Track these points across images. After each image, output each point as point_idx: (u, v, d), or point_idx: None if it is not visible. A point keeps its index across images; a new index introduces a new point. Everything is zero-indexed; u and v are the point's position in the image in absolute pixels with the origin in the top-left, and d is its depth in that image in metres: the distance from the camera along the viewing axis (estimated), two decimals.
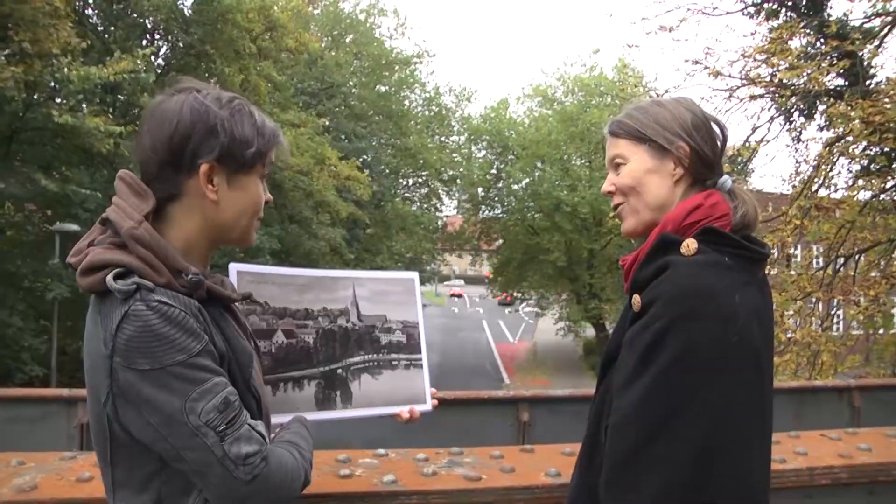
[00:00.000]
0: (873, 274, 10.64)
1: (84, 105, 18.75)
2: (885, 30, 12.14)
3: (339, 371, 2.03)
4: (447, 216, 48.39)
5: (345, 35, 37.58)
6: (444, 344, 47.36)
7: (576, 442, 2.22)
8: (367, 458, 2.61)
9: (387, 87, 39.16)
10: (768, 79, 11.70)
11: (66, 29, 17.01)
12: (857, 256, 11.56)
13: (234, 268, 1.90)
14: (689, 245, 1.63)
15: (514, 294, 47.12)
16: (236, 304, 1.71)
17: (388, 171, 37.28)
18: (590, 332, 41.47)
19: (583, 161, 38.95)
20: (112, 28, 21.95)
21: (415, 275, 2.20)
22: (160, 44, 23.49)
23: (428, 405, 2.14)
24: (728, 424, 1.53)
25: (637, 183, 1.79)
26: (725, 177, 1.81)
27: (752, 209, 1.76)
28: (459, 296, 74.51)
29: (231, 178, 1.58)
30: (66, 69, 17.13)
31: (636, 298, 1.66)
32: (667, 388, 1.52)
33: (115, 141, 18.47)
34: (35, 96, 18.41)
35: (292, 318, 1.98)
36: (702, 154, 1.77)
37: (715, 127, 1.82)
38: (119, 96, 21.36)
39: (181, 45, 22.96)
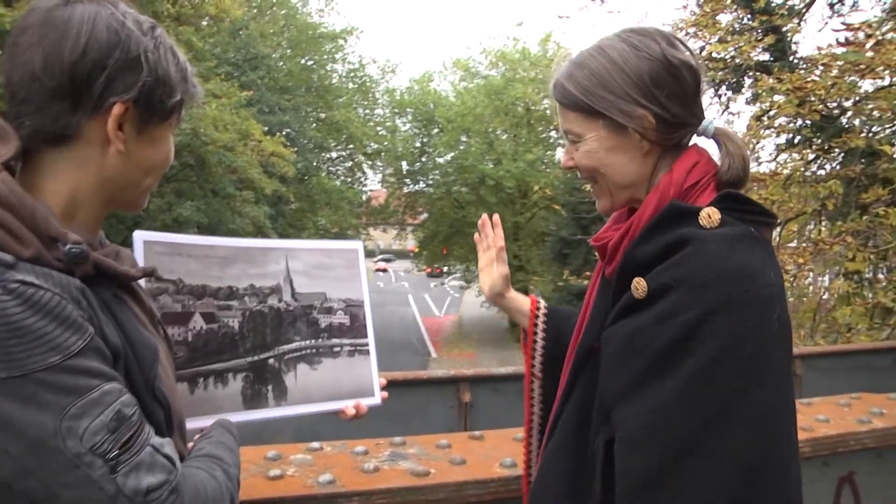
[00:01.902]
0: (803, 244, 10.76)
1: None
2: (805, 7, 12.31)
3: (271, 361, 1.70)
4: (372, 190, 48.14)
5: (270, 7, 36.69)
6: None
7: (522, 425, 2.01)
8: (300, 453, 2.32)
9: (312, 60, 38.55)
10: (698, 52, 11.68)
11: None
12: (781, 226, 11.71)
13: (139, 237, 1.55)
14: (711, 215, 1.34)
15: (443, 267, 47.30)
16: (138, 282, 1.37)
17: (312, 145, 36.71)
18: None
19: (508, 135, 39.16)
20: None
21: (359, 244, 1.88)
22: None
23: (377, 398, 1.83)
24: (777, 430, 1.25)
25: (599, 164, 1.51)
26: (707, 120, 1.52)
27: (738, 159, 1.47)
28: (385, 270, 74.27)
29: (143, 126, 1.23)
30: None
31: (639, 282, 1.36)
32: (703, 394, 1.23)
33: None
34: None
35: (213, 297, 1.64)
36: (670, 118, 1.47)
37: (684, 72, 1.47)
38: None
39: None
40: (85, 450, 1.00)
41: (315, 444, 2.45)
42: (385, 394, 1.84)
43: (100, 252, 1.18)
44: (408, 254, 62.49)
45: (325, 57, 39.09)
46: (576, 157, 1.53)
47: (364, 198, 44.44)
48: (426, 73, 43.12)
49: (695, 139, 1.54)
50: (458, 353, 36.70)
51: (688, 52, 1.49)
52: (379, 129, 42.23)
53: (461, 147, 38.93)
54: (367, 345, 1.83)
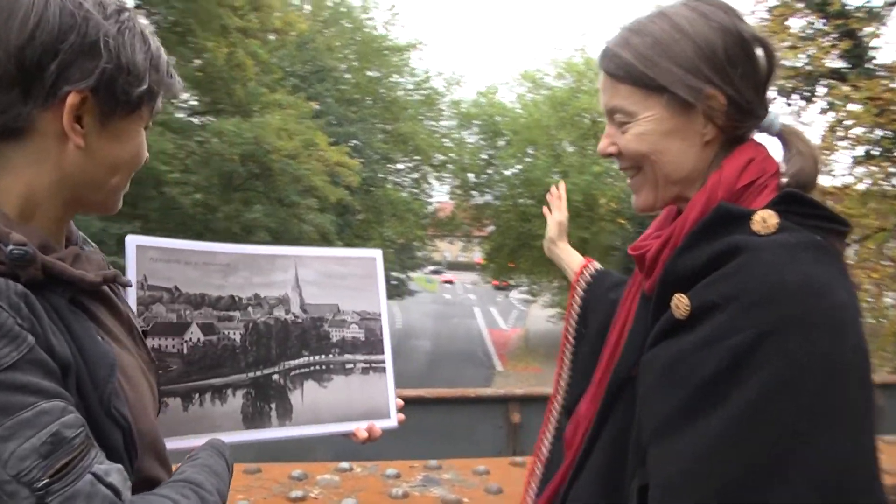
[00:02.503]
0: (882, 263, 10.24)
1: None
2: (887, 9, 11.80)
3: (276, 377, 1.57)
4: (438, 202, 48.15)
5: (337, 21, 37.18)
6: (435, 331, 47.25)
7: None
8: (328, 473, 2.20)
9: (378, 73, 38.89)
10: None
11: None
12: (858, 243, 11.19)
13: (131, 241, 1.44)
14: (767, 219, 1.13)
15: (509, 280, 47.09)
16: (120, 289, 1.25)
17: (378, 156, 36.96)
18: None
19: (574, 147, 38.76)
20: None
21: (377, 253, 1.73)
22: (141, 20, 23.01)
23: (392, 420, 1.67)
24: (850, 484, 1.00)
25: (652, 150, 1.28)
26: (773, 115, 1.30)
27: (810, 162, 1.24)
28: (451, 282, 74.20)
29: (106, 119, 1.10)
30: None
31: (680, 299, 1.14)
32: (754, 436, 1.01)
33: None
34: None
35: (213, 308, 1.52)
36: (742, 101, 1.25)
37: (759, 52, 1.26)
38: None
39: (162, 22, 22.50)
40: (9, 477, 0.87)
41: (344, 465, 2.33)
42: (402, 416, 1.68)
43: (54, 255, 1.06)
44: (474, 266, 62.34)
45: (391, 69, 39.39)
46: (621, 141, 1.31)
47: (430, 209, 44.55)
48: (492, 84, 42.99)
49: (755, 136, 1.33)
50: (524, 367, 36.44)
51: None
52: (445, 140, 42.23)
53: (527, 159, 38.67)
54: (383, 362, 1.68)
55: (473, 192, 42.81)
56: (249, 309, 1.55)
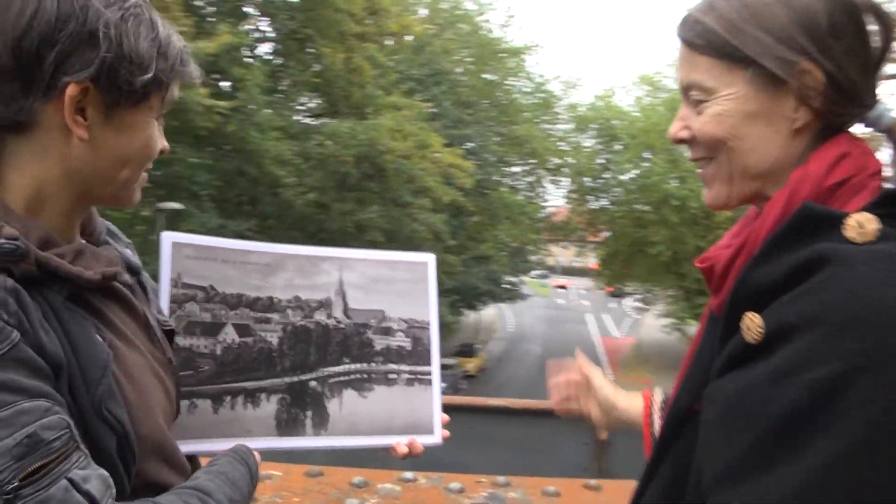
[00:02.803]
0: None
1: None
2: None
3: (313, 384, 1.49)
4: (553, 206, 47.80)
5: (453, 24, 37.44)
6: (546, 335, 47.01)
7: None
8: (389, 482, 2.11)
9: (493, 76, 38.93)
10: None
11: (176, 11, 17.34)
12: None
13: (167, 238, 1.40)
14: (864, 224, 0.92)
15: (624, 288, 46.29)
16: (147, 286, 1.20)
17: (494, 158, 36.99)
18: (696, 329, 40.12)
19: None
20: (215, 11, 22.32)
21: (429, 257, 1.64)
22: (262, 28, 23.95)
23: (436, 436, 1.57)
24: None
25: (730, 134, 1.07)
26: (882, 105, 1.07)
27: None
28: (564, 287, 73.58)
29: (111, 111, 1.05)
30: None
31: (752, 319, 0.94)
32: (836, 496, 0.81)
33: (217, 116, 18.81)
34: None
35: (249, 308, 1.46)
36: (845, 82, 1.02)
37: (871, 24, 1.03)
38: (216, 74, 21.84)
39: (283, 31, 23.24)
40: None
41: (408, 474, 2.24)
42: (446, 432, 1.57)
43: (54, 251, 1.01)
44: (588, 271, 61.56)
45: (508, 72, 39.35)
46: (695, 124, 1.11)
47: (544, 213, 44.27)
48: (609, 88, 42.32)
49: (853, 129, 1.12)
50: (636, 377, 35.75)
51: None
52: (561, 144, 41.89)
53: (644, 164, 37.82)
54: (429, 374, 1.58)
55: (588, 197, 42.32)
56: (289, 311, 1.49)
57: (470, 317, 42.49)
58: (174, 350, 1.30)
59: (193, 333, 1.40)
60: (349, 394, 1.51)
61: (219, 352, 1.42)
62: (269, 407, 1.44)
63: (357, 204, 24.96)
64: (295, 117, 26.20)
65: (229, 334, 1.43)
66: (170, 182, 20.49)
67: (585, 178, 41.84)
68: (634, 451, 3.72)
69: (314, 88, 26.20)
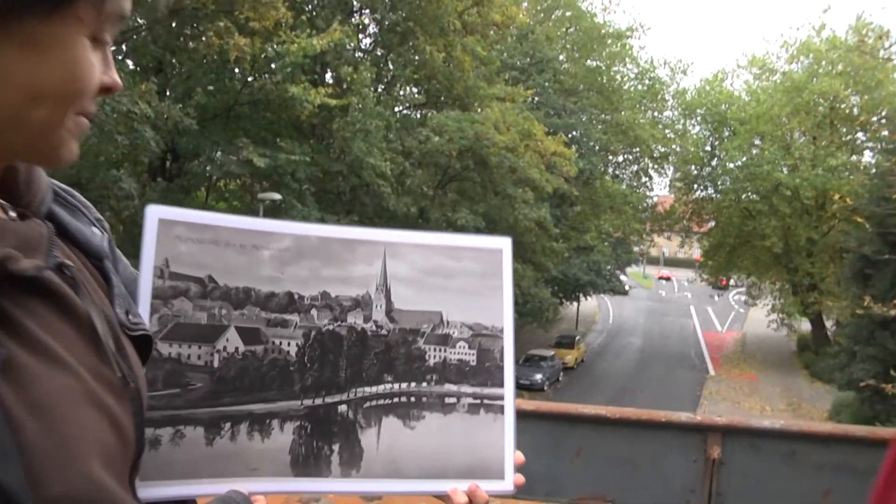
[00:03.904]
0: None
1: (293, 77, 19.28)
2: None
3: (342, 409, 1.12)
4: (657, 195, 46.61)
5: (555, 9, 36.71)
6: (647, 328, 45.86)
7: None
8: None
9: (597, 62, 38.06)
10: None
11: (280, 6, 17.46)
12: None
13: (153, 214, 1.06)
14: None
15: (728, 280, 44.74)
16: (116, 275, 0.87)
17: (597, 147, 36.27)
18: (805, 326, 38.33)
19: (807, 137, 35.83)
20: (319, 6, 22.41)
21: (504, 242, 1.23)
22: (366, 21, 23.94)
23: (507, 482, 1.17)
24: None
25: None
26: None
27: None
28: (668, 279, 71.70)
29: (8, 19, 0.71)
30: (285, 42, 17.62)
31: None
32: None
33: (322, 111, 18.92)
34: (253, 69, 19.24)
35: (260, 307, 1.10)
36: None
37: None
38: (326, 70, 21.96)
39: (387, 23, 23.16)
40: None
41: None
42: (520, 477, 1.17)
43: None
44: (692, 262, 59.73)
45: (612, 58, 38.42)
46: None
47: (649, 203, 43.23)
48: (719, 71, 40.68)
49: None
50: (739, 373, 34.59)
51: None
52: (667, 131, 40.78)
53: (754, 151, 36.26)
54: (500, 398, 1.18)
55: (694, 186, 41.20)
56: (313, 312, 1.12)
57: (570, 308, 41.73)
58: (153, 361, 0.97)
59: (183, 339, 1.06)
60: (391, 423, 1.14)
61: (216, 364, 1.07)
62: (283, 438, 1.09)
63: (458, 195, 24.74)
64: (396, 109, 26.17)
65: (231, 341, 1.08)
66: (271, 174, 20.78)
67: (691, 167, 40.70)
68: (750, 472, 3.25)
69: (416, 83, 26.14)
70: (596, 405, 3.05)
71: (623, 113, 37.31)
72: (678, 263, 74.84)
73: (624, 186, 39.26)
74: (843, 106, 34.78)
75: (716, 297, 57.39)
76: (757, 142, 36.53)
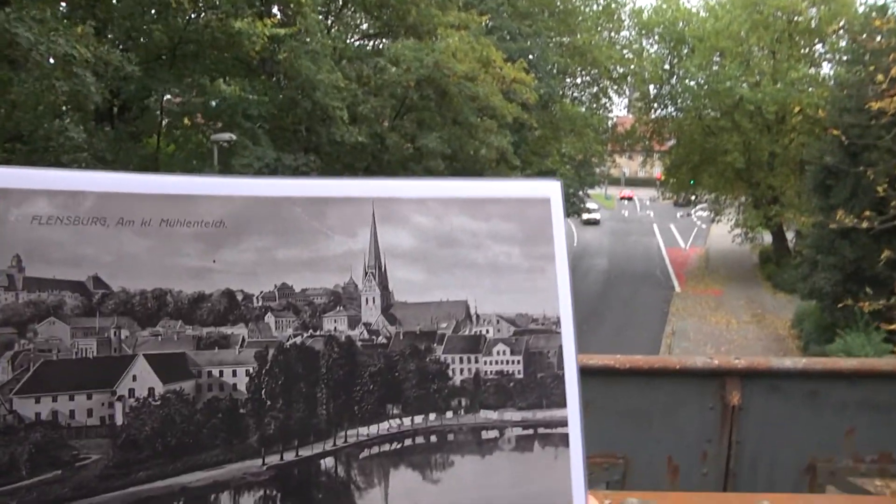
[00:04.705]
0: None
1: (238, 11, 18.39)
2: None
3: (327, 463, 0.72)
4: (617, 116, 46.30)
5: None
6: (612, 249, 46.05)
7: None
8: None
9: None
10: None
11: None
12: None
13: None
14: None
15: (690, 197, 45.09)
16: None
17: (555, 70, 35.68)
18: (766, 239, 38.84)
19: (766, 52, 35.67)
20: None
21: (553, 188, 0.82)
22: None
23: None
24: None
25: None
26: None
27: None
28: (630, 198, 71.81)
29: None
30: None
31: None
32: None
33: (271, 44, 18.21)
34: (195, 5, 18.36)
35: (184, 320, 0.69)
36: None
37: None
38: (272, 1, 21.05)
39: None
40: None
41: None
42: None
43: None
44: (653, 182, 59.90)
45: None
46: None
47: (609, 124, 42.97)
48: None
49: None
50: (704, 289, 34.99)
51: None
52: (625, 52, 40.24)
53: (714, 68, 35.97)
54: (563, 422, 0.79)
55: (654, 105, 41.20)
56: (269, 319, 0.72)
57: None
58: (6, 435, 0.57)
59: (58, 387, 0.64)
60: (404, 477, 0.74)
61: (120, 419, 0.66)
62: None
63: (417, 126, 24.16)
64: (349, 40, 25.32)
65: (141, 379, 0.67)
66: (223, 113, 20.05)
67: (650, 86, 40.59)
68: (769, 416, 2.95)
69: (366, 8, 25.23)
70: (602, 354, 2.71)
71: (579, 35, 36.66)
72: (639, 183, 74.88)
73: (584, 109, 38.86)
74: (801, 18, 34.61)
75: (678, 216, 57.80)
76: (717, 59, 36.39)
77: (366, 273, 0.75)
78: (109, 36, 18.82)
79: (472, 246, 0.78)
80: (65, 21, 15.38)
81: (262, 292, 0.72)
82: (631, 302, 32.13)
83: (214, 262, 0.70)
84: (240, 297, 0.71)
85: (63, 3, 17.80)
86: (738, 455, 2.84)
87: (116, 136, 19.25)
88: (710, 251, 45.74)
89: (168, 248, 0.69)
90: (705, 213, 47.56)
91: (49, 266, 0.65)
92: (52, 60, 13.98)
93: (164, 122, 21.69)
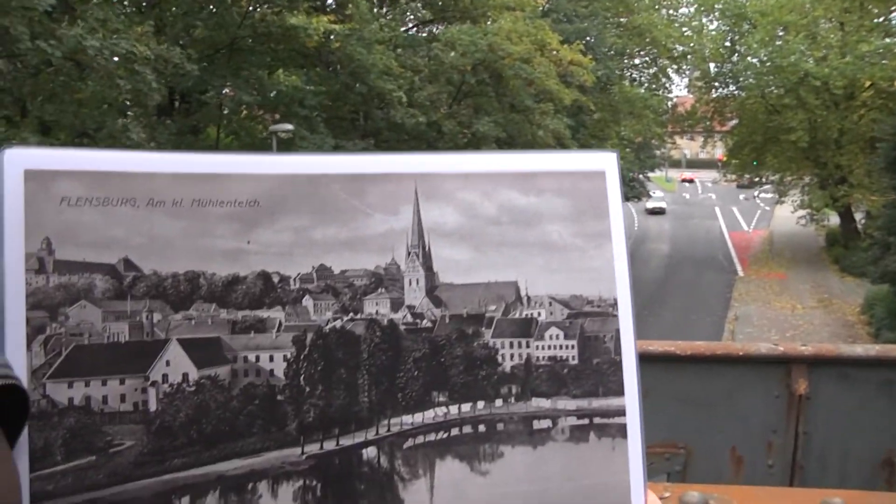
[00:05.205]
0: None
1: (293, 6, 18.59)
2: None
3: (369, 453, 0.69)
4: (677, 97, 45.44)
5: None
6: (673, 233, 45.35)
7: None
8: None
9: None
10: None
11: None
12: None
13: (12, 162, 0.61)
14: None
15: (754, 178, 43.95)
16: None
17: (612, 52, 35.19)
18: (833, 220, 37.63)
19: (834, 24, 34.35)
20: None
21: (608, 159, 0.77)
22: None
23: None
24: None
25: None
26: None
27: None
28: (691, 181, 70.58)
29: None
30: None
31: None
32: None
33: (324, 37, 18.43)
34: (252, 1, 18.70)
35: (218, 303, 0.66)
36: None
37: None
38: None
39: None
40: None
41: None
42: None
43: None
44: (715, 163, 58.69)
45: None
46: None
47: (669, 105, 42.25)
48: None
49: None
50: (768, 272, 34.19)
51: None
52: (685, 30, 39.38)
53: (778, 43, 34.85)
54: (621, 412, 0.74)
55: (715, 84, 40.15)
56: (307, 302, 0.68)
57: None
58: (41, 420, 0.56)
59: (91, 372, 0.63)
60: (450, 469, 0.70)
61: (154, 405, 0.64)
62: None
63: (473, 112, 24.10)
64: (403, 29, 25.35)
65: (175, 365, 0.65)
66: (280, 103, 20.31)
67: (711, 65, 39.58)
68: (839, 406, 2.83)
69: None
70: (663, 340, 2.63)
71: (638, 14, 36.03)
72: (700, 165, 73.46)
73: (643, 90, 38.23)
74: None
75: (741, 198, 56.54)
76: (780, 33, 35.16)
77: (409, 253, 0.71)
78: (168, 32, 19.22)
79: (521, 223, 0.73)
80: (125, 20, 15.76)
81: (299, 274, 0.69)
82: (693, 287, 31.61)
83: (249, 243, 0.67)
84: (276, 280, 0.68)
85: (125, 3, 18.26)
86: (805, 447, 2.73)
87: (178, 130, 19.65)
88: (773, 234, 44.72)
89: (201, 229, 0.66)
90: (769, 195, 46.43)
91: (79, 249, 0.63)
92: (115, 59, 14.37)
93: (222, 115, 22.08)
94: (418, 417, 0.70)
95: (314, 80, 20.57)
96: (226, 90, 20.69)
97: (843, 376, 2.73)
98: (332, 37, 19.14)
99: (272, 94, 20.45)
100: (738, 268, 36.12)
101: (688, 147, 67.96)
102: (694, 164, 76.00)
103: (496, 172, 0.74)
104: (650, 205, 49.72)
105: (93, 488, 0.62)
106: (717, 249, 41.15)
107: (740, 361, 2.71)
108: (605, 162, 0.76)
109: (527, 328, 0.73)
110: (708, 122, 42.16)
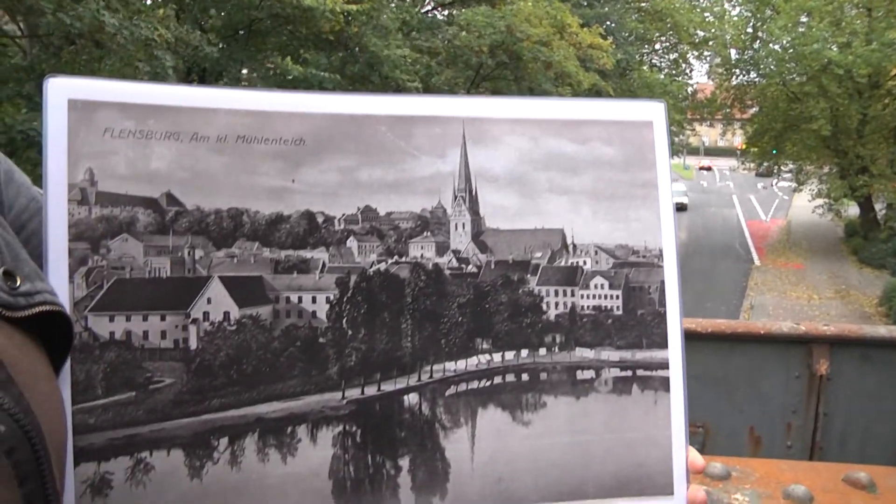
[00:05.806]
0: None
1: None
2: None
3: (410, 399, 0.68)
4: (697, 83, 45.12)
5: None
6: (690, 221, 45.14)
7: None
8: None
9: None
10: None
11: None
12: None
13: (57, 91, 0.60)
14: None
15: (773, 167, 43.57)
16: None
17: (633, 37, 34.89)
18: (852, 211, 37.22)
19: (860, 10, 33.84)
20: None
21: (656, 108, 0.75)
22: None
23: (678, 497, 0.73)
24: None
25: None
26: None
27: None
28: (709, 169, 70.08)
29: None
30: None
31: None
32: None
33: (341, 18, 18.34)
34: None
35: (261, 242, 0.65)
36: None
37: None
38: None
39: None
40: None
41: None
42: (700, 493, 0.72)
43: None
44: (734, 151, 58.24)
45: None
46: None
47: (689, 91, 41.90)
48: None
49: None
50: (785, 262, 33.93)
51: None
52: (706, 14, 38.99)
53: (800, 30, 34.38)
54: (664, 364, 0.73)
55: (736, 71, 39.74)
56: (351, 244, 0.67)
57: None
58: (83, 352, 0.55)
59: (133, 307, 0.62)
60: (492, 418, 0.69)
61: (195, 343, 0.63)
62: (317, 454, 0.65)
63: (492, 95, 24.01)
64: (421, 11, 25.22)
65: (216, 303, 0.64)
66: (298, 87, 20.28)
67: (732, 51, 39.14)
68: (861, 388, 2.79)
69: None
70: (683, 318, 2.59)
71: None
72: (719, 152, 72.91)
73: (662, 76, 37.93)
74: None
75: (759, 186, 56.13)
76: (803, 19, 34.67)
77: (455, 197, 0.70)
78: (188, 14, 19.21)
79: (569, 170, 0.72)
80: (146, 3, 15.80)
81: (344, 215, 0.67)
82: (708, 275, 31.42)
83: (294, 181, 0.66)
84: (320, 220, 0.67)
85: None
86: (825, 428, 2.71)
87: None
88: (791, 223, 44.35)
89: (245, 165, 0.65)
90: (787, 184, 46.07)
91: (121, 181, 0.62)
92: (134, 43, 14.39)
93: None
94: (461, 364, 0.69)
95: (334, 65, 20.53)
96: (244, 71, 20.68)
97: (865, 357, 2.70)
98: (349, 18, 19.06)
99: (289, 78, 20.43)
100: (755, 257, 35.87)
101: (707, 134, 67.49)
102: (712, 151, 75.45)
103: (544, 119, 0.72)
104: None
105: (132, 424, 0.61)
106: (734, 238, 40.89)
107: (761, 340, 2.68)
108: (653, 112, 0.74)
109: (572, 276, 0.72)
110: (728, 110, 41.80)
